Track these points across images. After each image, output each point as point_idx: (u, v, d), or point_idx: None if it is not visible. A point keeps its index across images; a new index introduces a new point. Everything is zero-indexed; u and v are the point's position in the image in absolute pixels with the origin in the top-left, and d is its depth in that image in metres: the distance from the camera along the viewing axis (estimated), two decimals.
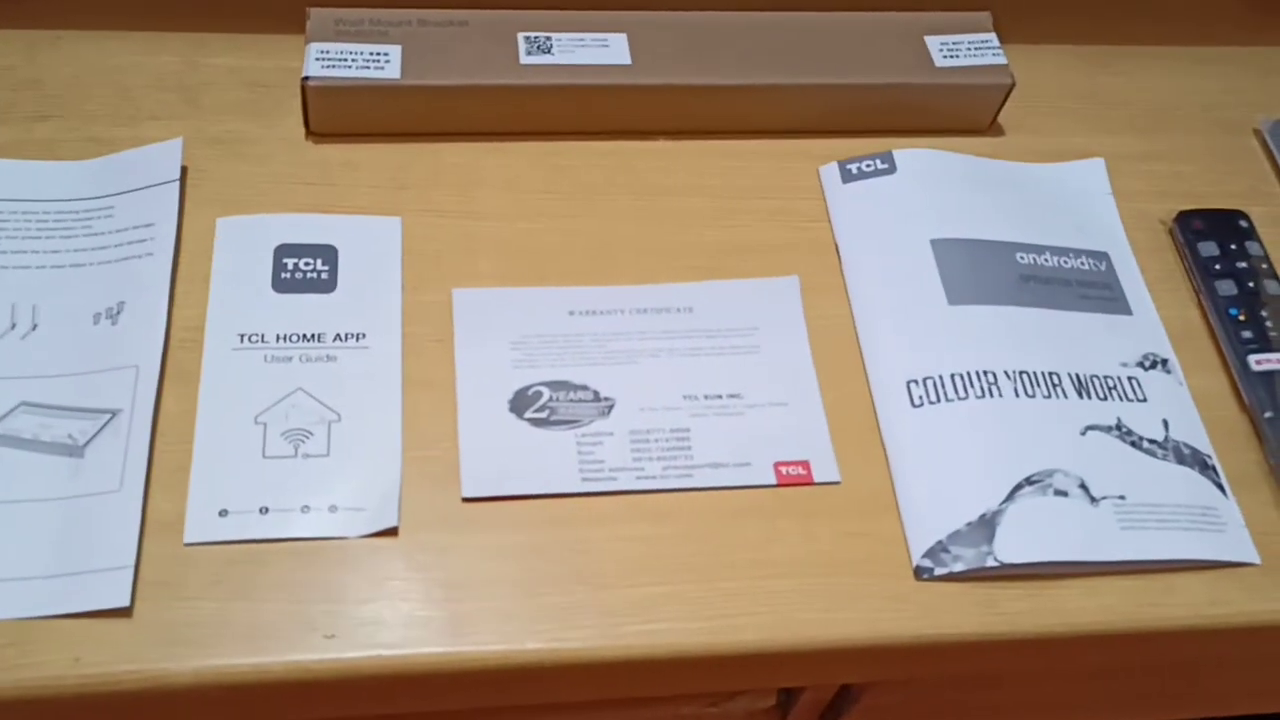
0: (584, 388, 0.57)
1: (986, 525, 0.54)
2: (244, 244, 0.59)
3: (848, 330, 0.61)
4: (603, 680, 0.50)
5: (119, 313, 0.56)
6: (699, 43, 0.65)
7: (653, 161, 0.66)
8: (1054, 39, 0.76)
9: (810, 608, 0.51)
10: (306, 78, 0.61)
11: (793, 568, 0.53)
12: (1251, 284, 0.63)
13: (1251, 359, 0.60)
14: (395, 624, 0.49)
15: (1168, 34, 0.77)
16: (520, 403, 0.56)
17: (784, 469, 0.56)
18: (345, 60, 0.62)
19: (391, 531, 0.52)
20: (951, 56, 0.67)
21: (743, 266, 0.62)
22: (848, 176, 0.66)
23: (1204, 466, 0.58)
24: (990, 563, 0.53)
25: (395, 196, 0.63)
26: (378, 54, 0.62)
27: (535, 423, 0.55)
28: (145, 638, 0.48)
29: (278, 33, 0.67)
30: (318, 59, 0.62)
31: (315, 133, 0.64)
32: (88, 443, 0.52)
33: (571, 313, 0.59)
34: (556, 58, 0.64)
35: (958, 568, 0.53)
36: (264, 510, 0.51)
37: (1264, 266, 0.64)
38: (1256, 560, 0.55)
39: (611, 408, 0.56)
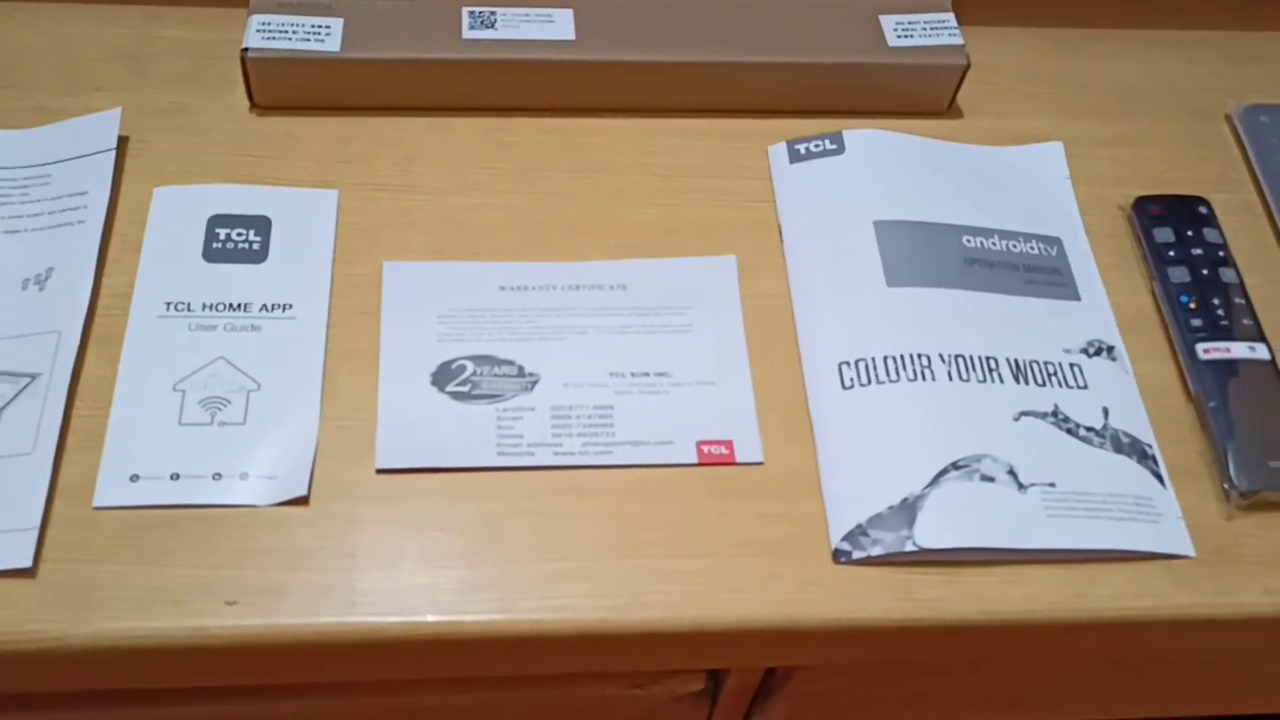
0: (509, 363, 0.56)
1: (908, 509, 0.52)
2: (178, 214, 0.59)
3: (785, 311, 0.60)
4: (501, 656, 0.50)
5: (47, 279, 0.56)
6: (646, 19, 0.65)
7: (597, 139, 0.65)
8: (1024, 21, 0.74)
9: (719, 588, 0.51)
10: (246, 49, 0.61)
11: (706, 547, 0.52)
12: (1205, 271, 0.61)
13: (1200, 347, 0.59)
14: (296, 593, 0.49)
15: (1143, 17, 0.75)
16: (443, 376, 0.56)
17: (706, 448, 0.55)
18: (286, 32, 0.62)
19: (302, 500, 0.51)
20: (906, 36, 0.65)
21: (682, 245, 0.61)
22: (795, 156, 0.65)
23: (1143, 456, 0.56)
24: (909, 547, 0.51)
25: (334, 169, 0.62)
26: (319, 26, 0.62)
27: (456, 396, 0.55)
28: (46, 599, 0.48)
29: (231, 6, 0.67)
30: (258, 30, 0.62)
31: (258, 105, 0.64)
32: (4, 406, 0.52)
33: (502, 288, 0.59)
34: (500, 32, 0.63)
35: (876, 551, 0.52)
36: (175, 476, 0.51)
37: (1220, 254, 0.62)
38: (1190, 553, 0.54)
39: (535, 383, 0.56)
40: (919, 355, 0.57)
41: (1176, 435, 0.57)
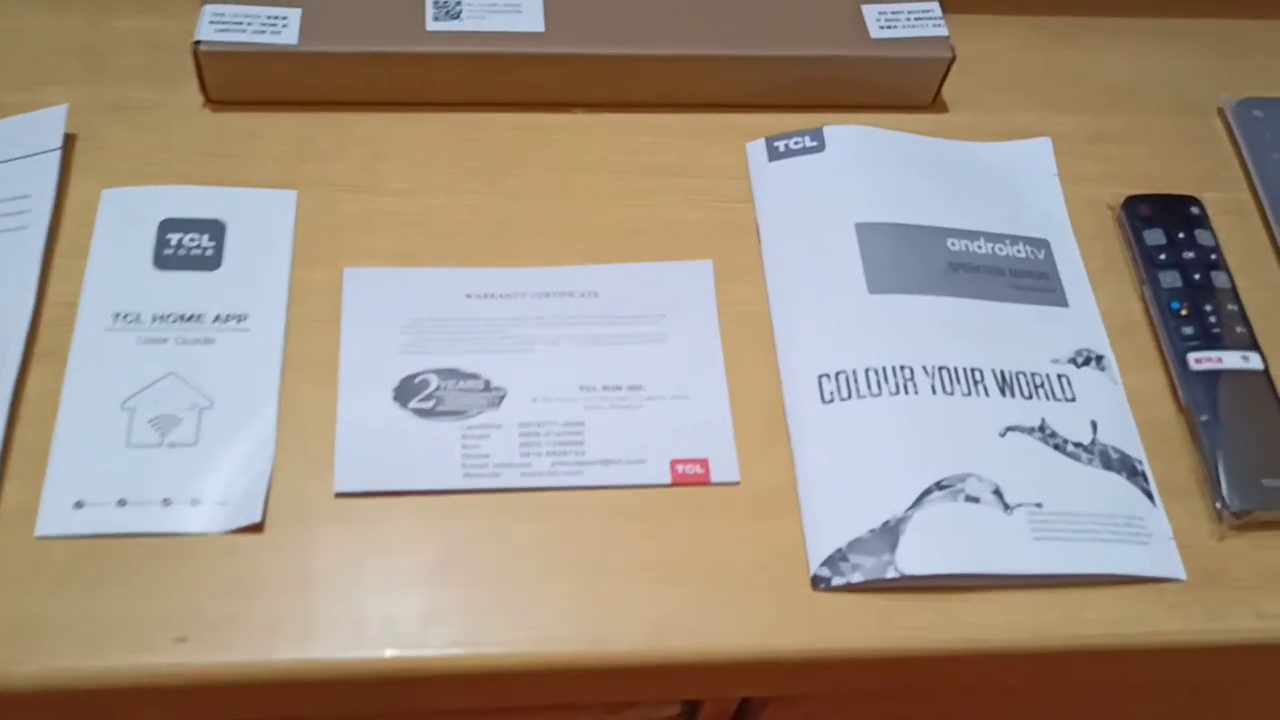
0: (474, 376, 0.54)
1: (890, 533, 0.50)
2: (128, 217, 0.56)
3: (763, 318, 0.57)
4: (465, 690, 0.48)
5: None
6: (619, 9, 0.62)
7: (568, 135, 0.62)
8: (1013, 10, 0.71)
9: (693, 616, 0.49)
10: (197, 42, 0.58)
11: (679, 573, 0.50)
12: (1198, 276, 0.59)
13: (1191, 357, 0.57)
14: (249, 626, 0.47)
15: (1134, 5, 0.72)
16: (405, 391, 0.53)
17: (680, 467, 0.53)
18: (240, 24, 0.59)
19: (256, 527, 0.49)
20: (889, 27, 0.63)
21: (656, 248, 0.59)
22: (774, 154, 0.62)
23: (1132, 472, 0.54)
24: (890, 573, 0.50)
25: (294, 169, 0.59)
26: (275, 17, 0.59)
27: (420, 413, 0.53)
28: None
29: None
30: (212, 22, 0.59)
31: (215, 100, 0.61)
32: None
33: (469, 295, 0.56)
34: (465, 24, 0.60)
35: (856, 578, 0.50)
36: (122, 503, 0.49)
37: (1213, 257, 0.60)
38: (1181, 576, 0.52)
39: (502, 398, 0.53)
40: (901, 367, 0.55)
41: (1167, 450, 0.55)
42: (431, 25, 0.60)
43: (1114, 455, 0.54)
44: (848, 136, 0.62)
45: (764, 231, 0.60)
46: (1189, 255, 0.60)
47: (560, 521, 0.51)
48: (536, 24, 0.61)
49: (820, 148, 0.62)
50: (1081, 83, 0.69)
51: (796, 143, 0.62)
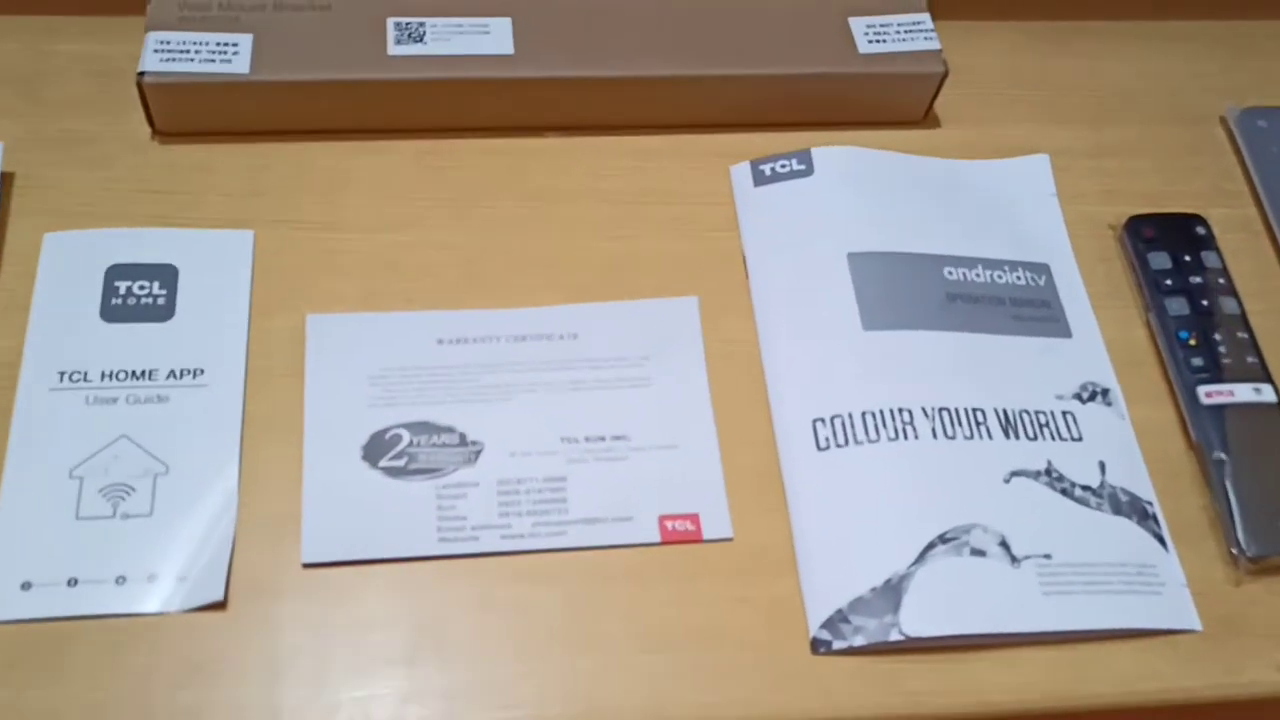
0: (449, 430, 0.51)
1: (893, 592, 0.48)
2: (72, 264, 0.53)
3: (753, 356, 0.54)
4: None
5: None
6: (592, 29, 0.58)
7: (541, 161, 0.59)
8: (1003, 14, 0.68)
9: (685, 686, 0.46)
10: (142, 73, 0.54)
11: (671, 639, 0.47)
12: (1206, 302, 0.56)
13: (1201, 390, 0.54)
14: (211, 716, 0.43)
15: (1132, 8, 0.69)
16: (375, 448, 0.50)
17: (670, 524, 0.50)
18: (187, 52, 0.55)
19: (219, 605, 0.46)
20: (878, 41, 0.59)
21: (638, 284, 0.56)
22: (760, 179, 0.59)
23: (1143, 516, 0.52)
24: (894, 636, 0.47)
25: (249, 205, 0.56)
26: (225, 45, 0.55)
27: (391, 472, 0.49)
28: None
29: (135, 13, 0.60)
30: (156, 50, 0.55)
31: (162, 132, 0.57)
32: None
33: (440, 341, 0.53)
34: (430, 47, 0.57)
35: (858, 641, 0.47)
36: (73, 582, 0.46)
37: (1220, 281, 0.57)
38: (1196, 626, 0.49)
39: (479, 453, 0.50)
40: (900, 410, 0.52)
41: (1177, 489, 0.53)
42: (394, 49, 0.56)
43: (1123, 498, 0.52)
44: (837, 159, 0.59)
45: (751, 263, 0.57)
46: (1196, 280, 0.57)
47: (543, 588, 0.48)
48: (505, 46, 0.57)
49: (808, 171, 0.58)
50: (1078, 91, 0.66)
51: (783, 166, 0.59)
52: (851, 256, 0.56)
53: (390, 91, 0.56)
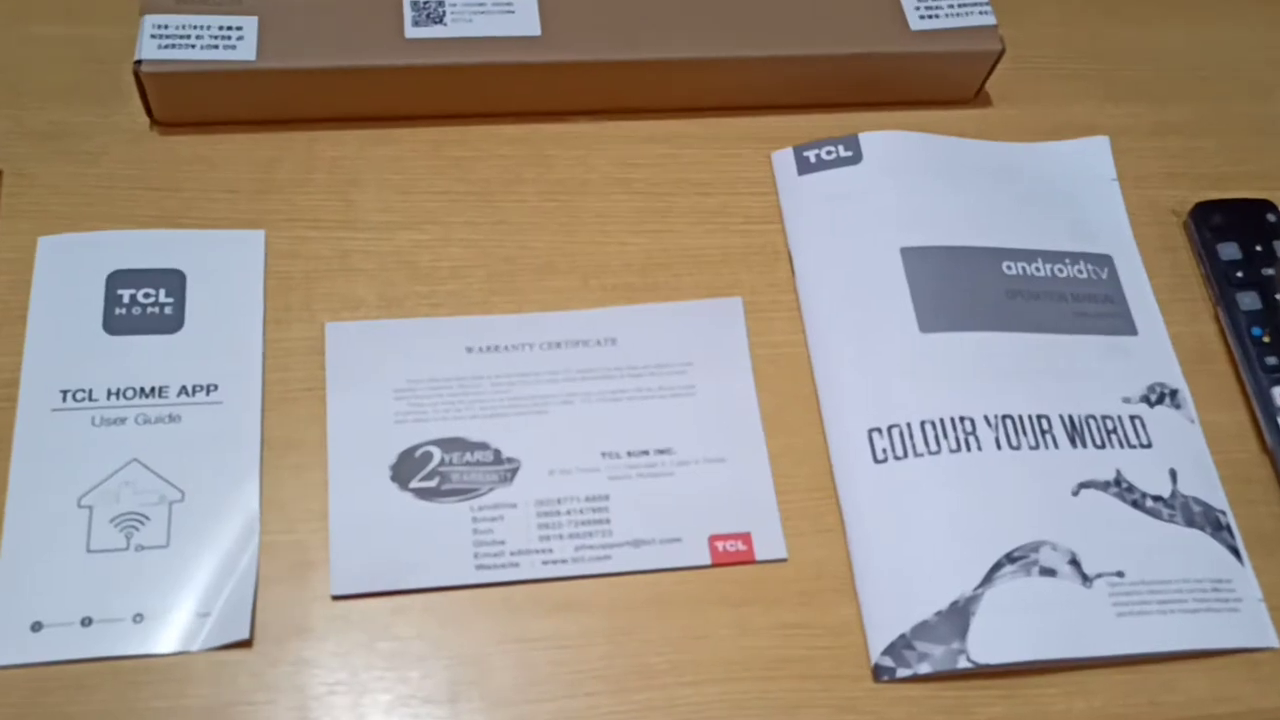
0: (483, 446, 0.47)
1: (959, 615, 0.45)
2: (70, 271, 0.49)
3: (802, 361, 0.51)
4: None
5: None
6: (623, 7, 0.54)
7: (569, 149, 0.55)
8: None
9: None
10: (139, 62, 0.50)
11: (724, 670, 0.44)
12: None
13: (1277, 391, 0.51)
14: None
15: None
16: (405, 468, 0.47)
17: (721, 545, 0.47)
18: (188, 37, 0.50)
19: (244, 643, 0.43)
20: (930, 17, 0.55)
21: (677, 283, 0.52)
22: (805, 166, 0.55)
23: (1216, 526, 0.49)
24: (963, 664, 0.44)
25: (258, 202, 0.52)
26: (228, 29, 0.51)
27: (422, 494, 0.46)
28: None
29: None
30: (153, 36, 0.50)
31: (162, 122, 0.53)
32: None
33: (470, 349, 0.50)
34: (450, 29, 0.52)
35: (924, 669, 0.44)
36: (86, 621, 0.42)
37: None
38: (1275, 644, 0.47)
39: (515, 471, 0.47)
40: (962, 419, 0.49)
41: (1250, 495, 0.50)
42: (411, 31, 0.52)
43: (1196, 508, 0.49)
44: (886, 144, 0.55)
45: (797, 259, 0.53)
46: (1268, 272, 0.54)
47: (588, 617, 0.45)
48: (532, 26, 0.53)
49: (856, 158, 0.55)
50: (1135, 63, 0.62)
51: (829, 153, 0.55)
52: (905, 251, 0.52)
53: (408, 78, 0.52)
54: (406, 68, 0.52)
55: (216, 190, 0.52)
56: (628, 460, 0.48)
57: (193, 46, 0.50)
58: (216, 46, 0.50)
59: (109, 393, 0.47)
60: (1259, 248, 0.54)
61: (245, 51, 0.51)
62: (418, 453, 0.47)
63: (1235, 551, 0.49)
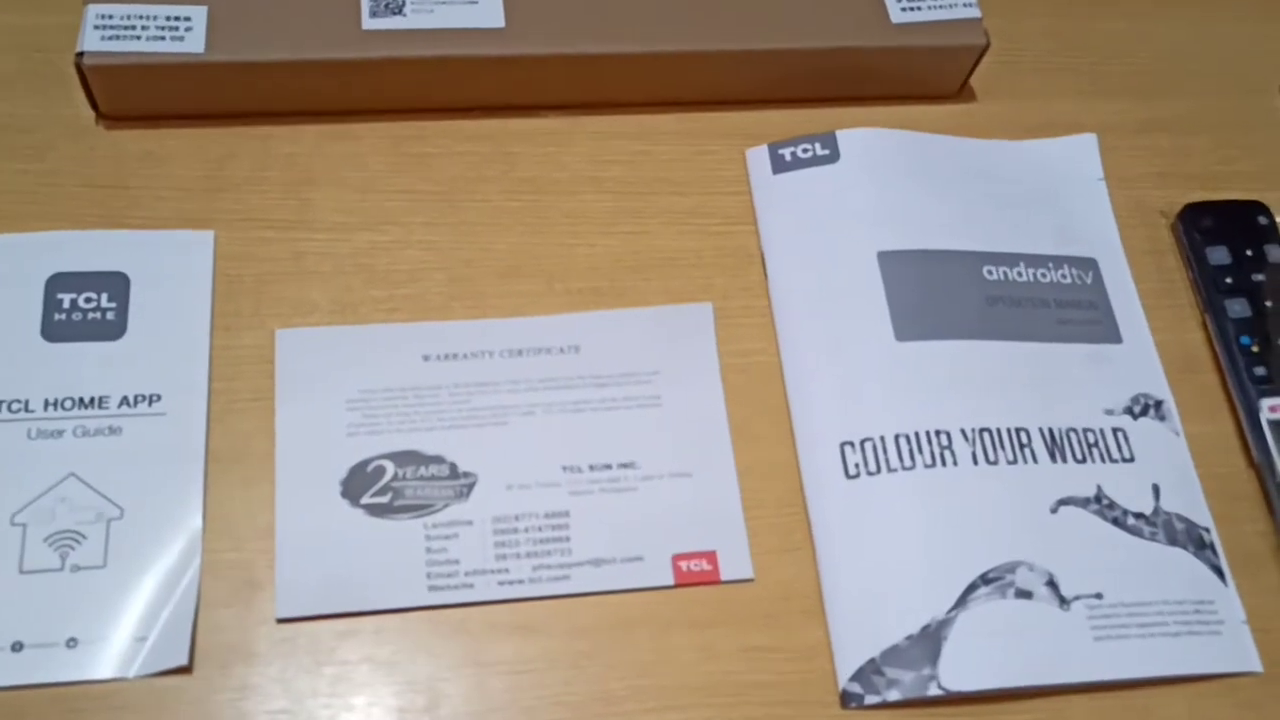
0: (439, 460, 0.46)
1: (931, 640, 0.43)
2: (7, 274, 0.47)
3: (773, 370, 0.49)
4: None
5: None
6: None
7: (535, 146, 0.53)
8: None
9: None
10: (80, 53, 0.48)
11: (686, 697, 0.43)
12: (1270, 303, 0.51)
13: (1265, 404, 0.49)
14: None
15: None
16: (356, 484, 0.45)
17: (684, 564, 0.45)
18: (133, 27, 0.48)
19: (183, 669, 0.41)
20: (912, 9, 0.53)
21: (645, 288, 0.50)
22: (780, 165, 0.53)
23: (1200, 545, 0.47)
24: (933, 690, 0.43)
25: (208, 201, 0.50)
26: (175, 19, 0.49)
27: (374, 510, 0.44)
28: None
29: None
30: (97, 27, 0.48)
31: (108, 116, 0.51)
32: None
33: (427, 357, 0.48)
34: (410, 20, 0.50)
35: (893, 696, 0.43)
36: (17, 647, 0.41)
37: None
38: (1257, 668, 0.45)
39: (472, 486, 0.45)
40: (938, 432, 0.47)
41: (1235, 512, 0.48)
42: (369, 22, 0.50)
43: (1179, 525, 0.47)
44: (864, 142, 0.53)
45: (770, 263, 0.51)
46: (1258, 278, 0.52)
47: (546, 640, 0.43)
48: (495, 18, 0.50)
49: (833, 157, 0.53)
50: (1125, 58, 0.60)
51: (805, 150, 0.53)
52: (882, 256, 0.50)
53: (366, 71, 0.50)
54: (364, 61, 0.49)
55: (164, 188, 0.50)
56: (589, 475, 0.46)
57: (138, 38, 0.48)
58: (163, 38, 0.48)
59: (46, 403, 0.44)
60: (1249, 252, 0.53)
61: (194, 43, 0.48)
62: (370, 467, 0.45)
63: (1219, 571, 0.47)
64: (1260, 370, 0.50)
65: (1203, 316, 0.52)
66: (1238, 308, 0.51)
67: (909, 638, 0.43)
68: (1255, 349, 0.50)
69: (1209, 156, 0.57)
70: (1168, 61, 0.60)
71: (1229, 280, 0.52)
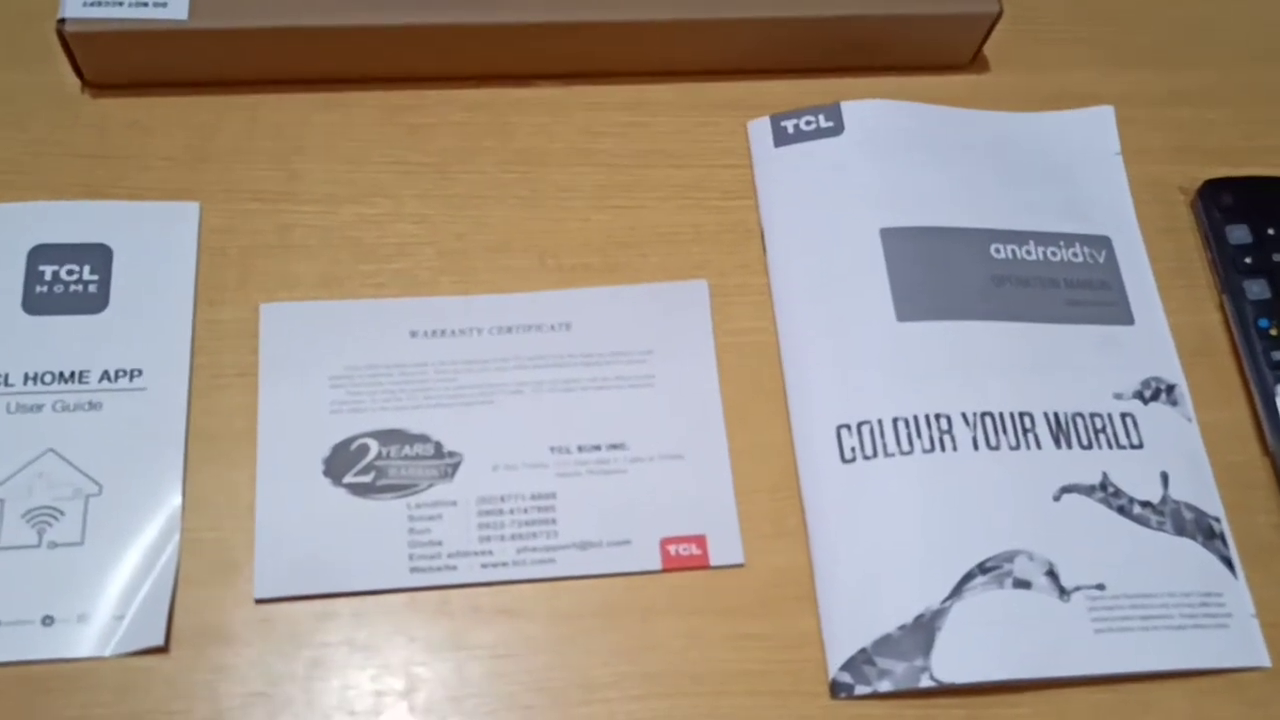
0: (424, 439, 0.45)
1: (924, 630, 0.42)
2: None
3: (770, 350, 0.48)
4: None
5: None
6: None
7: (530, 116, 0.51)
8: None
9: None
10: (62, 20, 0.47)
11: (673, 684, 0.42)
12: None
13: None
14: None
15: None
16: (339, 462, 0.44)
17: (673, 548, 0.44)
18: None
19: (160, 649, 0.40)
20: None
21: (640, 263, 0.49)
22: (782, 137, 0.51)
23: (1209, 535, 0.45)
24: (925, 682, 0.41)
25: (194, 172, 0.49)
26: None
27: (356, 489, 0.44)
28: None
29: None
30: None
31: (92, 84, 0.50)
32: None
33: (414, 334, 0.46)
34: None
35: (884, 687, 0.41)
36: None
37: None
38: (1265, 663, 0.44)
39: (457, 466, 0.44)
40: (937, 416, 0.45)
41: (1247, 501, 0.47)
42: None
43: (1188, 515, 0.46)
44: (870, 114, 0.51)
45: (770, 239, 0.50)
46: (1279, 258, 0.50)
47: (529, 625, 0.42)
48: None
49: (837, 129, 0.51)
50: (1145, 26, 0.57)
51: (808, 122, 0.51)
52: (885, 233, 0.48)
53: (358, 39, 0.48)
54: (356, 28, 0.48)
55: (149, 158, 0.49)
56: (578, 456, 0.45)
57: (120, 3, 0.47)
58: (146, 4, 0.47)
59: (26, 377, 0.44)
60: (1271, 231, 0.50)
61: (177, 10, 0.47)
62: (353, 445, 0.44)
63: (1228, 562, 0.45)
64: (1278, 354, 0.48)
65: (1220, 298, 0.50)
66: (1257, 289, 0.49)
67: (902, 627, 0.42)
68: (1274, 333, 0.48)
69: (1231, 131, 0.55)
70: (1190, 31, 0.57)
71: (1249, 260, 0.50)
